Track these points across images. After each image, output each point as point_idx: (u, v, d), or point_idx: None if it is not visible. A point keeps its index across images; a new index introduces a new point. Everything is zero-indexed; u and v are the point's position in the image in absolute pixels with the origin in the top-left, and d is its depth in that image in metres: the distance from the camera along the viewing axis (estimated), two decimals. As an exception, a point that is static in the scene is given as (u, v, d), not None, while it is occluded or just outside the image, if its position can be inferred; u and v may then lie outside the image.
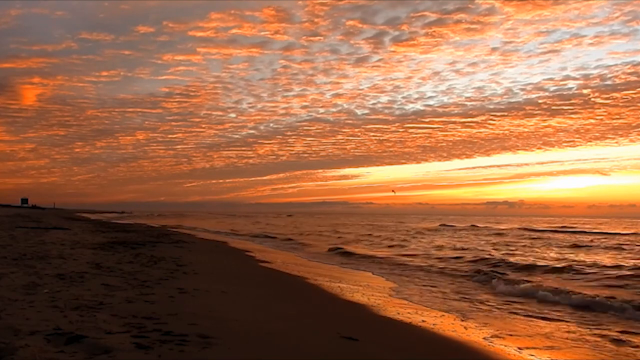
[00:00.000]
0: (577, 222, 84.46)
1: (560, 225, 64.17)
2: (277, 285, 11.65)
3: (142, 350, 4.74)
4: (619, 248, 26.26)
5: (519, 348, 6.95)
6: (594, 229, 53.78)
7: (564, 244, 29.28)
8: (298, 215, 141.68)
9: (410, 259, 20.48)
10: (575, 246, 27.34)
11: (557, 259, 20.28)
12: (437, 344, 6.97)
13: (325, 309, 9.02)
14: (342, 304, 9.60)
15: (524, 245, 28.02)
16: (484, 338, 7.42)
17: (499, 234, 40.81)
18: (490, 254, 21.84)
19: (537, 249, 25.53)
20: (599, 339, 7.79)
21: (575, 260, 19.44)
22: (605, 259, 20.43)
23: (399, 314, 8.89)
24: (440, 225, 64.35)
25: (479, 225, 62.66)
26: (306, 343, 5.93)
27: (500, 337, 7.55)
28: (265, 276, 13.41)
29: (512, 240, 33.22)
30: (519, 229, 51.40)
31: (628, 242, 30.57)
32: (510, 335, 7.82)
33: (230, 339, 5.43)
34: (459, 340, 7.19)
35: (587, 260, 19.72)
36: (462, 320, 8.74)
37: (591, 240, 32.26)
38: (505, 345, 7.04)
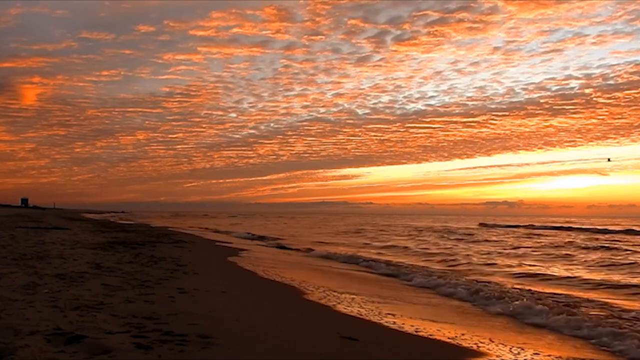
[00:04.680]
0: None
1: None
2: (277, 285, 11.64)
3: (142, 350, 4.74)
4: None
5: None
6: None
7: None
8: (259, 215, 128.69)
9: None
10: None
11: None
12: (437, 344, 6.96)
13: (325, 308, 9.01)
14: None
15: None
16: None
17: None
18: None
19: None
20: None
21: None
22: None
23: (398, 314, 8.89)
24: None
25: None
26: (306, 343, 5.94)
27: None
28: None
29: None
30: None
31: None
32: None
33: (230, 339, 5.43)
34: (457, 340, 7.20)
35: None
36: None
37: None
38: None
